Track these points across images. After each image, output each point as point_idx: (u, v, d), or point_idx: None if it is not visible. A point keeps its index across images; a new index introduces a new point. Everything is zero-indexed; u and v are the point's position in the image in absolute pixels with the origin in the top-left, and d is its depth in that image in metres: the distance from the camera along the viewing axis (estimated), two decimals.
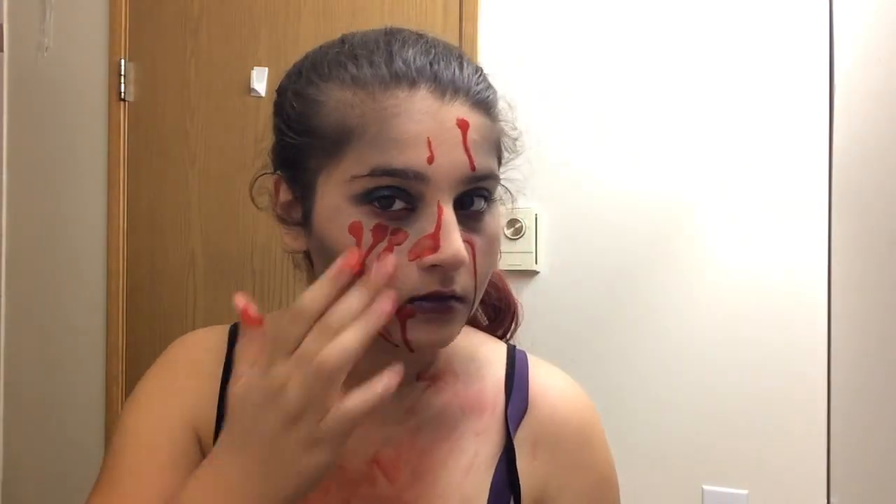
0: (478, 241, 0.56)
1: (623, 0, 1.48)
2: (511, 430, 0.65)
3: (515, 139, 0.64)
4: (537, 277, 1.49)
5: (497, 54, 1.53)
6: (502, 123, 0.61)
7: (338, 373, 0.47)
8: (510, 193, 0.71)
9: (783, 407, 1.39)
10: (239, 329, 0.71)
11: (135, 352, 1.70)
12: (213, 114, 1.66)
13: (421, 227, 0.53)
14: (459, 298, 0.55)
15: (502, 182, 0.73)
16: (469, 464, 0.64)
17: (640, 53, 1.47)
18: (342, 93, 0.56)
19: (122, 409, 1.76)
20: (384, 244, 0.54)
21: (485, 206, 0.57)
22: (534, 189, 1.44)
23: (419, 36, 0.59)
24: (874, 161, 1.38)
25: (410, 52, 0.56)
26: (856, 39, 1.38)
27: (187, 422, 0.66)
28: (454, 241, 0.52)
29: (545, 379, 0.69)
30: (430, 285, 0.54)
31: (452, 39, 1.54)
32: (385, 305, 0.49)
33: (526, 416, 0.66)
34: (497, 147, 0.59)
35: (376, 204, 0.54)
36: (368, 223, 0.54)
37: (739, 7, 1.43)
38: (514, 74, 1.52)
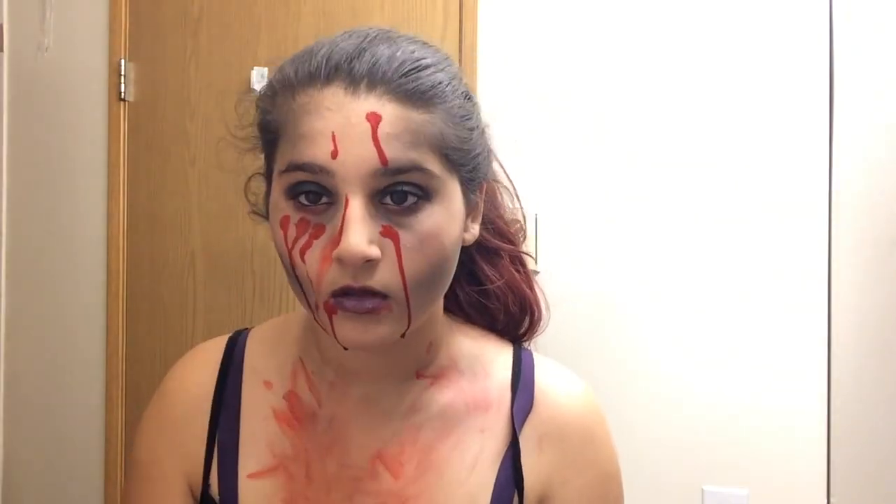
0: (405, 237, 0.55)
1: (623, 1, 1.48)
2: (517, 427, 0.66)
3: (474, 130, 0.61)
4: (537, 278, 1.49)
5: (497, 54, 1.53)
6: (454, 115, 0.58)
7: None
8: (511, 193, 0.69)
9: (783, 407, 1.39)
10: (240, 337, 0.72)
11: (135, 352, 1.70)
12: (213, 114, 1.66)
13: (336, 221, 0.54)
14: (379, 295, 0.55)
15: (496, 180, 0.73)
16: (474, 460, 0.65)
17: (640, 54, 1.47)
18: (279, 95, 0.59)
19: (125, 411, 1.76)
20: (305, 238, 0.56)
21: (416, 202, 0.55)
22: (534, 189, 1.44)
23: (362, 33, 0.58)
24: (874, 161, 1.38)
25: (334, 49, 0.56)
26: (856, 40, 1.38)
27: (176, 460, 0.68)
28: (350, 236, 0.52)
29: (551, 377, 0.70)
30: (343, 279, 0.54)
31: (452, 39, 1.54)
32: None
33: (531, 414, 0.67)
34: (434, 141, 0.56)
35: (302, 199, 0.56)
36: (294, 217, 0.56)
37: (739, 7, 1.43)
38: (513, 74, 1.52)
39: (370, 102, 0.54)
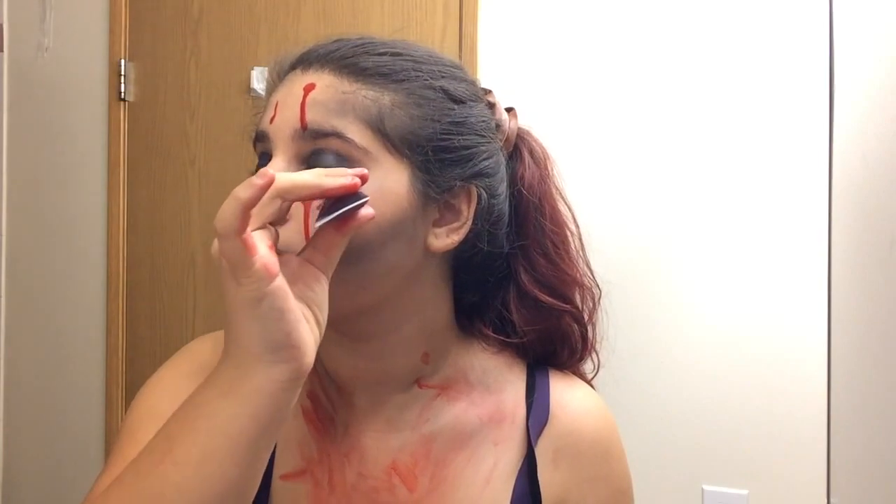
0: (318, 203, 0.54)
1: (623, 1, 1.48)
2: (532, 441, 0.65)
3: (438, 123, 0.59)
4: None
5: (497, 54, 1.53)
6: (409, 99, 0.58)
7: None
8: (477, 188, 0.62)
9: (783, 407, 1.39)
10: None
11: (135, 352, 1.71)
12: (213, 114, 1.66)
13: None
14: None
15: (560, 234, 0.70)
16: (488, 473, 0.64)
17: (641, 54, 1.47)
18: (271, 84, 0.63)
19: (125, 411, 1.75)
20: None
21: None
22: None
23: (352, 34, 0.62)
24: (874, 161, 1.38)
25: (314, 44, 0.61)
26: (856, 39, 1.38)
27: None
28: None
29: (566, 390, 0.69)
30: None
31: (452, 39, 1.54)
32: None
33: (546, 427, 0.66)
34: (366, 113, 0.56)
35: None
36: None
37: (740, 7, 1.43)
38: (514, 74, 1.52)
39: (314, 76, 0.58)
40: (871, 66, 1.38)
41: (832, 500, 1.36)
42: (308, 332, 0.48)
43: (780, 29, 1.41)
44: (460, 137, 0.60)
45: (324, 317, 0.51)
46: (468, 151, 0.61)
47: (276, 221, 0.51)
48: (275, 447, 0.64)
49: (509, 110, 0.70)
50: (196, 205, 1.67)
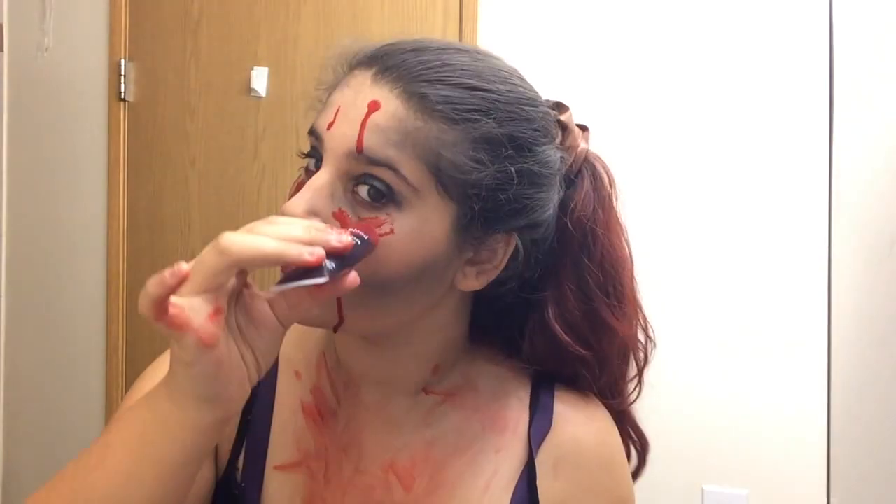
0: (356, 229, 0.53)
1: (623, 1, 1.48)
2: (533, 450, 0.64)
3: (489, 169, 0.55)
4: None
5: (497, 54, 1.53)
6: (467, 143, 0.55)
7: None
8: (519, 238, 0.59)
9: (783, 407, 1.39)
10: None
11: (135, 352, 1.71)
12: (213, 114, 1.66)
13: None
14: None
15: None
16: (488, 481, 0.63)
17: (641, 54, 1.47)
18: (340, 66, 0.60)
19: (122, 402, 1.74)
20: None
21: (384, 203, 0.53)
22: None
23: (437, 40, 0.59)
24: (874, 161, 1.38)
25: (396, 43, 0.57)
26: (856, 39, 1.38)
27: None
28: (293, 199, 0.53)
29: (569, 400, 0.68)
30: None
31: (452, 39, 1.54)
32: (313, 257, 0.46)
33: (548, 437, 0.65)
34: (426, 153, 0.53)
35: (311, 164, 0.57)
36: (302, 178, 0.58)
37: (740, 8, 1.43)
38: None
39: (382, 92, 0.54)
40: (871, 66, 1.38)
41: (832, 500, 1.36)
42: (239, 387, 0.49)
43: (781, 29, 1.41)
44: (515, 189, 0.56)
45: (266, 363, 0.51)
46: (520, 204, 0.57)
47: (239, 286, 0.50)
48: (269, 437, 0.65)
49: (584, 129, 0.66)
50: (196, 205, 1.67)
